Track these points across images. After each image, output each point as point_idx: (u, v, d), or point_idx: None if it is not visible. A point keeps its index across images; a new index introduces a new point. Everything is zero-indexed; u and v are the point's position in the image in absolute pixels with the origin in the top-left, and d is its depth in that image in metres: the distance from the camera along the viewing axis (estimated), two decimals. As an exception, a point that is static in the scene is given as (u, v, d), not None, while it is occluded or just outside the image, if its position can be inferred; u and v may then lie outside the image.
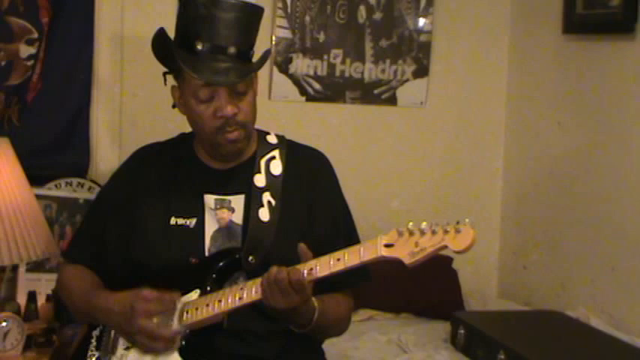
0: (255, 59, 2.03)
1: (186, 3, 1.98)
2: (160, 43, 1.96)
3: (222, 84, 1.91)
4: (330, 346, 2.12)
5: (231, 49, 1.93)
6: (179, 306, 1.86)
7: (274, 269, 1.74)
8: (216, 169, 2.05)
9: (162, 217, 2.01)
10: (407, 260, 1.61)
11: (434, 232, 1.60)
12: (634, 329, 2.77)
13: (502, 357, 2.48)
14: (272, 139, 2.10)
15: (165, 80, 2.07)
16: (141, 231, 2.02)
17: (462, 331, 2.70)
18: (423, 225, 1.62)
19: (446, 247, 1.58)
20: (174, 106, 2.06)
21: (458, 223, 1.59)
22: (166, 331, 1.83)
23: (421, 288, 3.15)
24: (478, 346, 2.62)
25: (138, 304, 1.83)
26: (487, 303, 3.31)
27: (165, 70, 2.05)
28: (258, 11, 2.03)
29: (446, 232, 1.59)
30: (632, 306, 2.85)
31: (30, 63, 2.97)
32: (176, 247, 1.97)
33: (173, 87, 2.04)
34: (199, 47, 1.92)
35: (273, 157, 2.05)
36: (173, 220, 2.00)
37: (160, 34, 1.96)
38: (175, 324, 1.84)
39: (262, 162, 2.04)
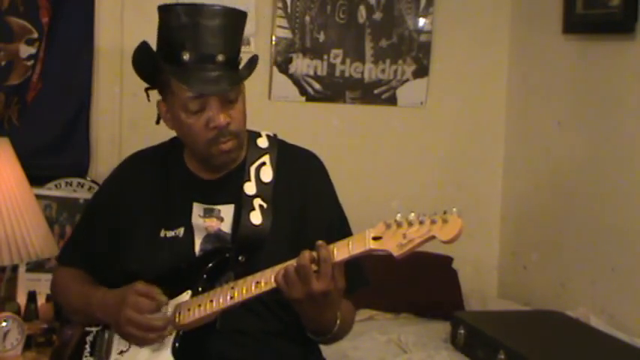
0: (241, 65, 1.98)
1: (166, 12, 1.90)
2: (144, 57, 1.90)
3: (214, 93, 1.86)
4: (328, 346, 2.11)
5: (220, 57, 1.87)
6: (170, 307, 1.86)
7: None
8: (205, 179, 2.01)
9: (151, 230, 1.98)
10: (395, 252, 1.59)
11: (421, 223, 1.58)
12: (634, 329, 2.76)
13: (502, 357, 2.48)
14: (263, 142, 2.04)
15: (148, 96, 2.02)
16: (130, 243, 1.99)
17: (462, 331, 2.70)
18: (411, 216, 1.60)
19: (434, 237, 1.56)
20: (157, 122, 2.00)
21: (445, 213, 1.57)
22: (157, 321, 1.83)
23: (421, 288, 3.15)
24: (478, 346, 2.62)
25: (130, 296, 1.84)
26: (487, 303, 3.31)
27: (147, 85, 2.00)
28: (241, 16, 1.96)
29: (433, 222, 1.57)
30: (632, 306, 2.85)
31: (30, 63, 2.97)
32: (166, 258, 1.95)
33: (159, 102, 1.98)
34: (186, 58, 1.85)
35: (264, 164, 2.00)
36: (162, 233, 1.97)
37: (144, 47, 1.88)
38: (167, 315, 1.84)
39: (252, 169, 1.99)
